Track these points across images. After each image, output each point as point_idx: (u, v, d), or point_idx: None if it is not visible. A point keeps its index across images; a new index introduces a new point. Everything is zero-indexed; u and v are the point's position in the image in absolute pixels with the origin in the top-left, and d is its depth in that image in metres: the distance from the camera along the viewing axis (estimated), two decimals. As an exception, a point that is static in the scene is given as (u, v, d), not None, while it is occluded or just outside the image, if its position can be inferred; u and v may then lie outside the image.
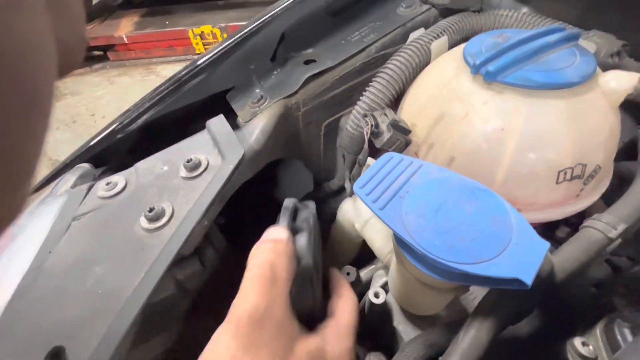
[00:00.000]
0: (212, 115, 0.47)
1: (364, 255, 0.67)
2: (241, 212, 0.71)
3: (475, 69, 0.40)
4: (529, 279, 0.28)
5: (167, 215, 0.37)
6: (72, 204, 0.40)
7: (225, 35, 2.84)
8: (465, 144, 0.40)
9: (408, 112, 0.48)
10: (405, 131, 0.44)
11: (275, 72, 0.54)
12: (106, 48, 3.04)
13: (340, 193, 0.69)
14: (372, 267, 0.62)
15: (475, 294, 0.47)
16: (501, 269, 0.29)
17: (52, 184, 0.47)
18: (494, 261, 0.29)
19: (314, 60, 0.54)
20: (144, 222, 0.37)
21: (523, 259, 0.29)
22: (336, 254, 0.63)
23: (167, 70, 3.00)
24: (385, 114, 0.44)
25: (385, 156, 0.39)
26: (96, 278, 0.34)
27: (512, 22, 0.52)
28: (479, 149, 0.40)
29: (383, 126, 0.43)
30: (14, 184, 0.12)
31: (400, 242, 0.35)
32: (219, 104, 0.51)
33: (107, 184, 0.41)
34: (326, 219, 0.67)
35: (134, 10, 3.28)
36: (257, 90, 0.52)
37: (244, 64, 0.51)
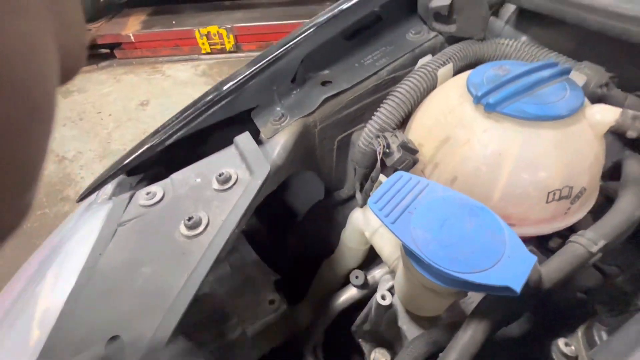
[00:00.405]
0: (232, 128, 0.52)
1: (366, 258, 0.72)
2: (258, 218, 0.76)
3: (477, 100, 0.45)
4: (517, 287, 0.33)
5: (204, 224, 0.42)
6: (116, 211, 0.45)
7: (231, 36, 2.88)
8: (466, 166, 0.46)
9: (415, 133, 0.53)
10: (413, 151, 0.49)
11: (295, 91, 0.59)
12: (113, 46, 3.07)
13: (349, 201, 0.74)
14: (378, 271, 0.67)
15: (473, 299, 0.53)
16: (494, 278, 0.34)
17: (94, 194, 0.52)
18: (489, 271, 0.35)
19: (330, 82, 0.59)
20: (183, 230, 0.42)
21: (514, 270, 0.34)
22: (345, 258, 0.69)
23: (172, 70, 3.04)
24: (396, 136, 0.49)
25: (395, 175, 0.44)
26: (144, 278, 0.39)
27: (511, 51, 0.58)
28: (479, 170, 0.45)
29: (394, 146, 0.48)
30: (18, 191, 0.11)
31: (408, 253, 0.40)
32: (236, 118, 0.56)
33: (147, 193, 0.47)
34: (336, 225, 0.73)
35: (141, 9, 3.31)
36: (278, 109, 0.57)
37: (268, 85, 0.56)
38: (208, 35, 2.91)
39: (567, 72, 0.46)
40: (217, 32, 2.88)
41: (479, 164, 0.45)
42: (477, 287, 0.35)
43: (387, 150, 0.48)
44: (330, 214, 0.75)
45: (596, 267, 0.56)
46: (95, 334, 0.36)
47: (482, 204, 0.39)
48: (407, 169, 0.49)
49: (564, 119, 0.43)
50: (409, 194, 0.42)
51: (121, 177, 0.54)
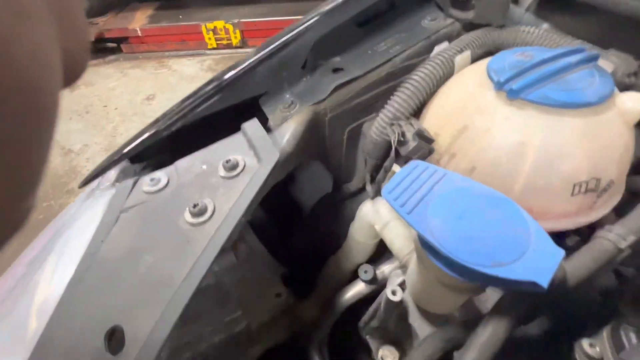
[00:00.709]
0: (239, 118, 0.50)
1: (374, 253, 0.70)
2: (264, 211, 0.75)
3: (499, 86, 0.42)
4: (545, 282, 0.31)
5: (210, 212, 0.40)
6: (119, 197, 0.44)
7: (237, 32, 2.87)
8: (486, 156, 0.43)
9: (431, 122, 0.50)
10: (429, 140, 0.46)
11: (305, 78, 0.57)
12: (120, 40, 3.08)
13: (358, 194, 0.72)
14: (387, 266, 0.65)
15: (488, 297, 0.50)
16: (519, 272, 0.32)
17: (97, 179, 0.50)
18: (513, 265, 0.32)
19: (341, 69, 0.57)
20: (188, 217, 0.40)
21: (540, 264, 0.32)
22: (353, 252, 0.66)
23: (178, 65, 3.03)
24: (411, 124, 0.47)
25: (411, 164, 0.42)
26: (147, 266, 0.37)
27: (532, 38, 0.55)
28: (500, 160, 0.42)
29: (409, 135, 0.46)
30: (19, 194, 0.12)
31: (424, 245, 0.38)
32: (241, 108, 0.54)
33: (151, 179, 0.45)
34: (344, 219, 0.71)
35: (148, 4, 3.31)
36: (288, 96, 0.55)
37: (277, 71, 0.54)
38: (214, 30, 2.90)
39: (595, 58, 0.44)
40: (224, 27, 2.87)
41: (499, 154, 0.42)
42: (499, 281, 0.33)
43: (402, 138, 0.45)
44: (338, 208, 0.73)
45: (613, 270, 0.53)
46: (94, 323, 0.35)
47: (503, 195, 0.37)
48: (423, 159, 0.46)
49: (593, 107, 0.40)
50: (425, 184, 0.40)
51: (125, 164, 0.52)
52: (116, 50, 3.14)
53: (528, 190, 0.42)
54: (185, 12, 3.12)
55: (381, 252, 0.70)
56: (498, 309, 0.36)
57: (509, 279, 0.32)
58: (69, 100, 2.74)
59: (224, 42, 2.93)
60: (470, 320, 0.44)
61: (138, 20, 3.08)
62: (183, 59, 3.06)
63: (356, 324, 0.62)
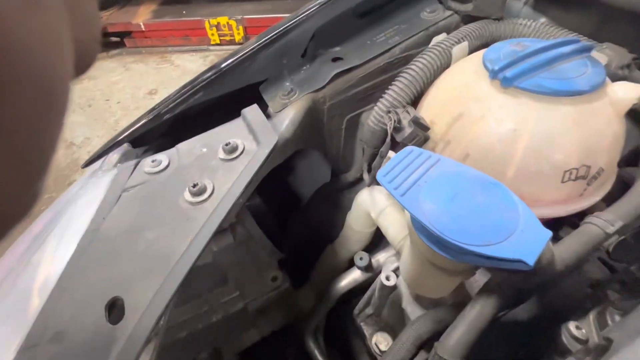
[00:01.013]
0: (236, 105, 0.51)
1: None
2: (263, 200, 0.76)
3: (494, 74, 0.43)
4: (531, 261, 0.32)
5: (209, 192, 0.41)
6: (122, 177, 0.45)
7: (241, 28, 2.87)
8: (480, 142, 0.44)
9: (427, 110, 0.51)
10: (425, 128, 0.47)
11: (304, 67, 0.58)
12: (123, 34, 3.09)
13: (355, 185, 0.73)
14: (382, 255, 0.66)
15: (479, 282, 0.51)
16: (507, 251, 0.33)
17: (99, 160, 0.51)
18: (502, 244, 0.33)
19: (341, 58, 0.58)
20: (188, 196, 0.41)
21: (527, 244, 0.33)
22: (350, 241, 0.67)
23: (181, 60, 3.04)
24: (407, 111, 0.48)
25: (406, 149, 0.43)
26: (147, 242, 0.38)
27: (530, 31, 0.56)
28: (493, 147, 0.43)
29: (405, 122, 0.47)
30: (28, 181, 0.12)
31: (417, 226, 0.39)
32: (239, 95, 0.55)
33: (153, 161, 0.46)
34: (341, 209, 0.72)
35: (152, -2, 3.32)
36: (288, 84, 0.56)
37: (278, 58, 0.55)
38: (218, 26, 2.91)
39: (588, 49, 0.45)
40: (227, 23, 2.88)
41: (493, 141, 0.43)
42: (488, 260, 0.34)
43: (398, 125, 0.46)
44: (336, 198, 0.74)
45: (605, 264, 0.54)
46: (95, 294, 0.36)
47: (494, 179, 0.38)
48: (418, 146, 0.47)
49: (584, 95, 0.41)
50: (419, 168, 0.41)
51: (127, 147, 0.54)
52: (119, 45, 3.14)
53: (520, 176, 0.43)
54: (188, 7, 3.13)
55: (377, 242, 0.71)
56: (487, 289, 0.37)
57: (497, 257, 0.33)
58: (73, 93, 2.75)
59: (227, 38, 2.94)
60: (462, 303, 0.45)
61: (142, 15, 3.09)
62: (186, 55, 3.07)
63: (351, 312, 0.63)
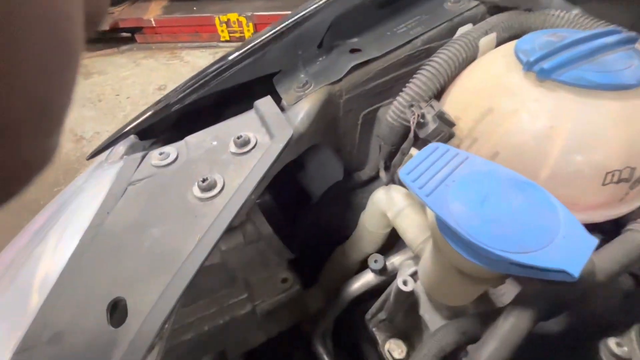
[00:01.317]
0: (248, 98, 0.48)
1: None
2: (273, 196, 0.73)
3: (529, 66, 0.40)
4: (576, 271, 0.29)
5: (219, 187, 0.39)
6: (127, 170, 0.42)
7: (250, 25, 2.86)
8: (511, 140, 0.41)
9: (452, 105, 0.48)
10: (450, 123, 0.44)
11: (320, 58, 0.55)
12: (134, 30, 3.10)
13: (369, 183, 0.70)
14: (397, 257, 0.63)
15: (505, 290, 0.48)
16: (549, 260, 0.30)
17: (106, 152, 0.49)
18: (542, 252, 0.30)
19: (359, 50, 0.55)
20: (196, 191, 0.39)
21: (571, 252, 0.30)
22: (363, 242, 0.64)
23: (191, 56, 3.04)
24: (431, 105, 0.44)
25: (431, 146, 0.39)
26: (153, 239, 0.36)
27: (562, 23, 0.52)
28: (526, 145, 0.40)
29: (429, 117, 0.44)
30: (47, 129, 0.12)
31: (443, 229, 0.36)
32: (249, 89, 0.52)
33: (161, 153, 0.44)
34: (354, 208, 0.69)
35: (163, -6, 3.32)
36: (302, 76, 0.53)
37: (293, 48, 0.52)
38: (228, 23, 2.89)
39: (634, 40, 0.41)
40: (237, 19, 2.86)
41: (526, 138, 0.40)
42: (525, 269, 0.31)
43: (422, 120, 0.43)
44: (348, 197, 0.71)
45: (631, 274, 0.50)
46: (97, 294, 0.33)
47: (529, 180, 0.35)
48: (443, 142, 0.44)
49: (631, 90, 0.37)
50: (445, 166, 0.37)
51: (134, 139, 0.51)
52: (130, 40, 3.15)
53: (555, 177, 0.40)
54: (199, 3, 3.12)
55: (391, 244, 0.68)
56: (520, 300, 0.34)
57: (537, 267, 0.29)
58: (83, 88, 2.77)
59: (237, 34, 2.93)
60: (489, 312, 0.42)
61: (152, 11, 3.09)
62: (195, 51, 3.07)
63: (362, 315, 0.60)
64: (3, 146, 0.10)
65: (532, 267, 0.30)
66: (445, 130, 0.44)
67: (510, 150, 0.41)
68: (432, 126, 0.43)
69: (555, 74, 0.38)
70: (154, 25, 3.04)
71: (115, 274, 0.34)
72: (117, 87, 2.79)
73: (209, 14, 2.94)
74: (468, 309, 0.47)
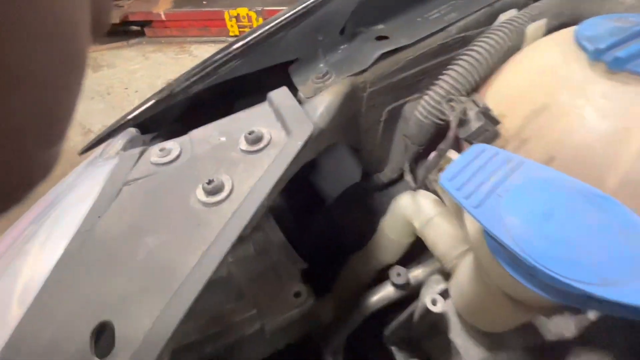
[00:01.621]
0: (260, 89, 0.43)
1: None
2: (283, 198, 0.68)
3: (597, 55, 0.33)
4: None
5: (227, 190, 0.33)
6: (123, 167, 0.37)
7: (260, 19, 2.80)
8: (571, 142, 0.34)
9: (495, 101, 0.42)
10: (495, 121, 0.38)
11: (343, 46, 0.49)
12: (143, 24, 3.08)
13: (390, 186, 0.64)
14: (421, 269, 0.57)
15: (556, 320, 0.42)
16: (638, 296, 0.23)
17: (101, 146, 0.44)
18: (631, 286, 0.24)
19: (386, 37, 0.49)
20: (200, 195, 0.33)
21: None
22: (382, 250, 0.59)
23: (200, 51, 3.00)
24: (474, 101, 0.38)
25: (476, 147, 0.33)
26: (148, 250, 0.31)
27: (623, 9, 0.45)
28: (590, 148, 0.34)
29: (471, 113, 0.37)
30: (51, 139, 0.12)
31: (495, 248, 0.30)
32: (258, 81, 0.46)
33: (161, 149, 0.38)
34: (372, 212, 0.63)
35: (173, -12, 3.29)
36: (322, 65, 0.47)
37: (312, 34, 0.46)
38: (237, 18, 2.85)
39: None
40: (247, 14, 2.82)
41: (591, 140, 0.33)
42: (607, 305, 0.24)
43: (463, 117, 0.37)
44: (366, 200, 0.65)
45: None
46: (81, 315, 0.28)
47: (604, 193, 0.29)
48: (486, 143, 0.38)
49: None
50: (496, 173, 0.31)
51: (133, 132, 0.46)
52: (140, 34, 3.14)
53: (626, 187, 0.33)
54: (209, -3, 3.08)
55: (411, 253, 0.62)
56: (596, 342, 0.27)
57: (624, 304, 0.23)
58: (92, 80, 2.76)
59: (246, 29, 2.87)
60: (534, 348, 0.36)
61: (162, 5, 3.06)
62: (204, 45, 3.03)
63: (378, 329, 0.55)
64: (8, 153, 0.10)
65: (618, 304, 0.23)
66: (490, 130, 0.37)
67: (570, 155, 0.35)
68: (475, 124, 0.37)
69: (631, 64, 0.32)
70: (164, 19, 3.01)
71: (103, 292, 0.29)
72: (126, 80, 2.77)
73: (218, 9, 2.89)
74: (509, 337, 0.41)
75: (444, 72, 0.45)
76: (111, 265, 0.30)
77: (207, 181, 0.33)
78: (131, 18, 3.02)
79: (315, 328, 0.63)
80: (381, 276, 0.60)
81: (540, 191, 0.30)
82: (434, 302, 0.44)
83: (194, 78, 0.43)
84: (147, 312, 0.27)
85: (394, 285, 0.53)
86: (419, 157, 0.54)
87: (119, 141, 0.44)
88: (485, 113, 0.37)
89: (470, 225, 0.39)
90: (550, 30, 0.46)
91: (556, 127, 0.35)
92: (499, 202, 0.29)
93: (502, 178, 0.31)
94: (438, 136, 0.52)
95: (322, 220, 0.70)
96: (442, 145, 0.37)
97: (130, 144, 0.44)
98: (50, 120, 0.11)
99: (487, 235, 0.30)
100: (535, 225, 0.27)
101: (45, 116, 0.11)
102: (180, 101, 0.45)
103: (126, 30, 3.10)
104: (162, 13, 2.99)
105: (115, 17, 2.92)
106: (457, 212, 0.43)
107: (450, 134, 0.36)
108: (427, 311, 0.44)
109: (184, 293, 0.28)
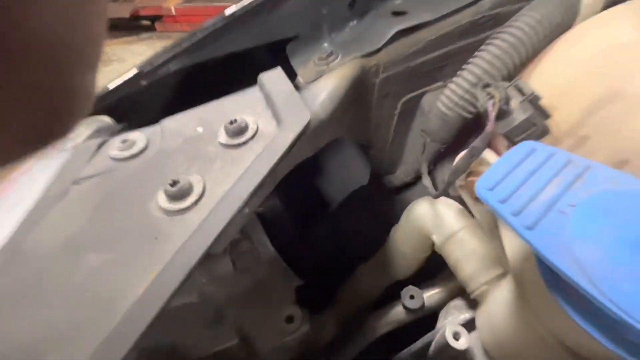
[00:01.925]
0: (250, 72, 0.35)
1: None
2: (280, 200, 0.61)
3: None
4: None
5: (196, 194, 0.26)
6: (76, 162, 0.30)
7: (271, 14, 2.75)
8: (652, 141, 0.26)
9: (541, 89, 0.33)
10: (545, 114, 0.30)
11: (351, 22, 0.41)
12: (154, 18, 3.07)
13: (402, 191, 0.56)
14: (436, 290, 0.49)
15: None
16: None
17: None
18: None
19: (404, 13, 0.40)
20: (162, 200, 0.26)
21: None
22: (393, 264, 0.51)
23: (209, 46, 2.98)
24: (518, 88, 0.30)
25: (525, 146, 0.25)
26: (89, 271, 0.24)
27: None
28: (680, 150, 0.25)
29: (514, 103, 0.29)
30: (94, 63, 0.12)
31: (554, 284, 0.22)
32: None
33: (123, 141, 0.31)
34: (382, 219, 0.55)
35: (184, -18, 3.27)
36: (326, 44, 0.40)
37: (315, 6, 0.38)
38: (247, 12, 2.80)
39: None
40: (257, 8, 2.76)
41: (683, 139, 0.25)
42: None
43: (505, 107, 0.29)
44: (375, 206, 0.58)
45: None
46: (3, 357, 0.21)
47: None
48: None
49: None
50: (554, 180, 0.23)
51: (105, 120, 0.39)
52: (150, 29, 3.14)
53: None
54: (219, -8, 3.04)
55: (424, 269, 0.53)
56: None
57: None
58: (103, 75, 2.73)
59: (256, 24, 2.82)
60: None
61: (173, -1, 3.04)
62: (214, 40, 3.00)
63: (386, 351, 0.47)
64: (48, 76, 0.10)
65: None
66: (538, 124, 0.29)
67: (650, 158, 0.26)
68: (519, 116, 0.28)
69: None
70: (174, 13, 3.01)
71: (29, 326, 0.22)
72: (135, 75, 2.76)
73: (228, 3, 2.85)
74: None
75: (476, 54, 0.37)
76: (41, 290, 0.23)
77: (170, 182, 0.26)
78: (142, 12, 3.02)
79: (313, 347, 0.56)
80: (389, 293, 0.53)
81: (619, 207, 0.21)
82: (456, 336, 0.36)
83: (172, 53, 0.36)
84: (84, 349, 0.20)
85: (407, 309, 0.45)
86: (439, 158, 0.46)
87: (84, 130, 0.37)
88: (534, 103, 0.29)
89: (508, 242, 0.31)
90: (608, 4, 0.37)
91: (630, 122, 0.27)
92: (562, 222, 0.21)
93: (563, 188, 0.23)
94: (461, 135, 0.44)
95: (325, 228, 0.63)
96: (476, 143, 0.29)
97: (97, 134, 0.37)
98: (97, 43, 0.11)
99: (541, 263, 0.22)
100: (621, 258, 0.19)
101: (95, 39, 0.11)
102: (150, 84, 0.38)
103: (137, 25, 3.10)
104: (172, 8, 2.98)
105: (126, 12, 2.91)
106: (490, 226, 0.34)
107: (489, 127, 0.28)
108: (447, 346, 0.36)
109: (129, 325, 0.20)
